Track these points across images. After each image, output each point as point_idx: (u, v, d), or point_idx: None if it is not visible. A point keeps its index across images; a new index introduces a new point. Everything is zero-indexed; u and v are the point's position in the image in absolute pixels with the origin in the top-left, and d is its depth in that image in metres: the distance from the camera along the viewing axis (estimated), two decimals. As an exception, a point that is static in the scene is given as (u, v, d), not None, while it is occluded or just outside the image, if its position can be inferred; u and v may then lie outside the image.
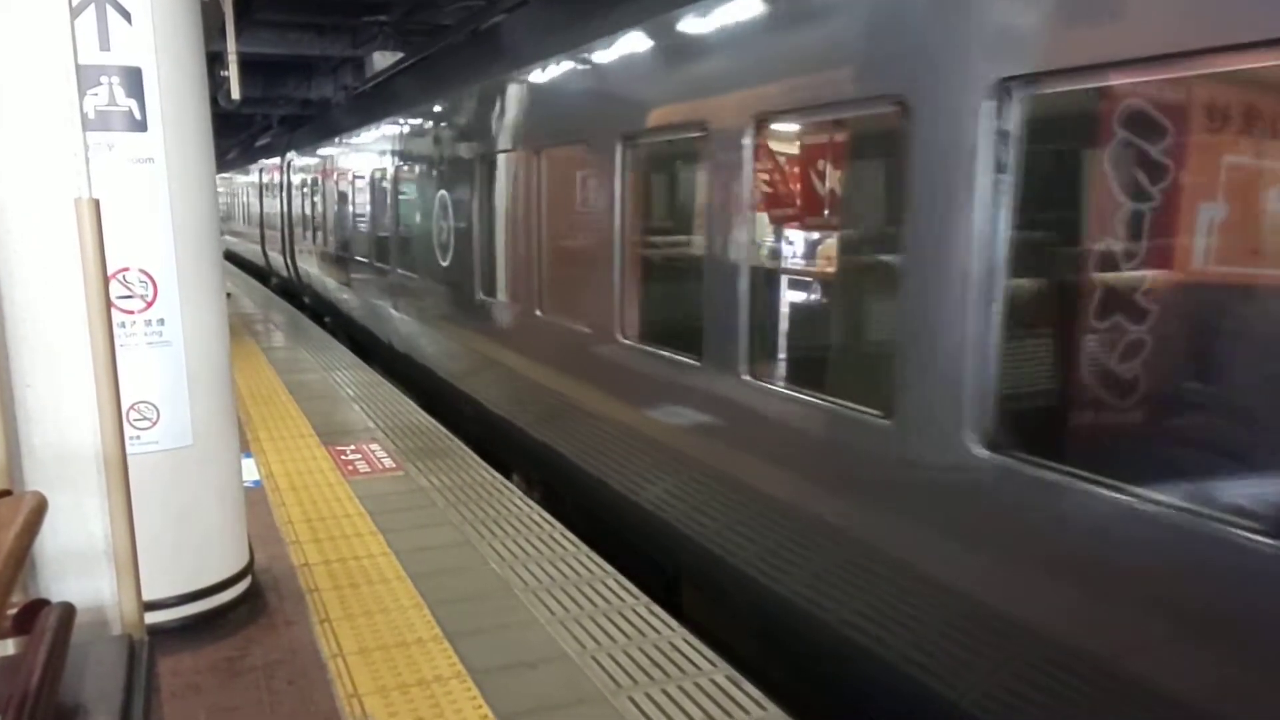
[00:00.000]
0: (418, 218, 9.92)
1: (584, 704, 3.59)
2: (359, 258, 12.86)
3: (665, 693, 3.66)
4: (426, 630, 4.16)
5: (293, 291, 19.80)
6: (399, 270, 10.73)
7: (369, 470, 6.59)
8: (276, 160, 20.61)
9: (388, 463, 6.77)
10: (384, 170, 11.38)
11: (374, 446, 7.18)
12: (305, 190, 17.34)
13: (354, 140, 13.24)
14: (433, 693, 3.64)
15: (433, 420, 8.17)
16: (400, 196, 10.71)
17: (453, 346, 9.08)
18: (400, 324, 10.88)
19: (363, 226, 12.70)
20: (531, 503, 5.93)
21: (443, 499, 5.97)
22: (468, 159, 8.20)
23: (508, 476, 6.61)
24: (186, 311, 3.94)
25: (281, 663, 3.90)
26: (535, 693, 3.66)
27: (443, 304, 9.16)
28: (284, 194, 19.54)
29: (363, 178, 12.51)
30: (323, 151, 15.59)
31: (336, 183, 14.32)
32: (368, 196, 12.29)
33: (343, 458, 6.88)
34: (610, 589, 4.62)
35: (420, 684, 3.70)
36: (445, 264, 8.89)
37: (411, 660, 3.90)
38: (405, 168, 10.46)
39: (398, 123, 10.83)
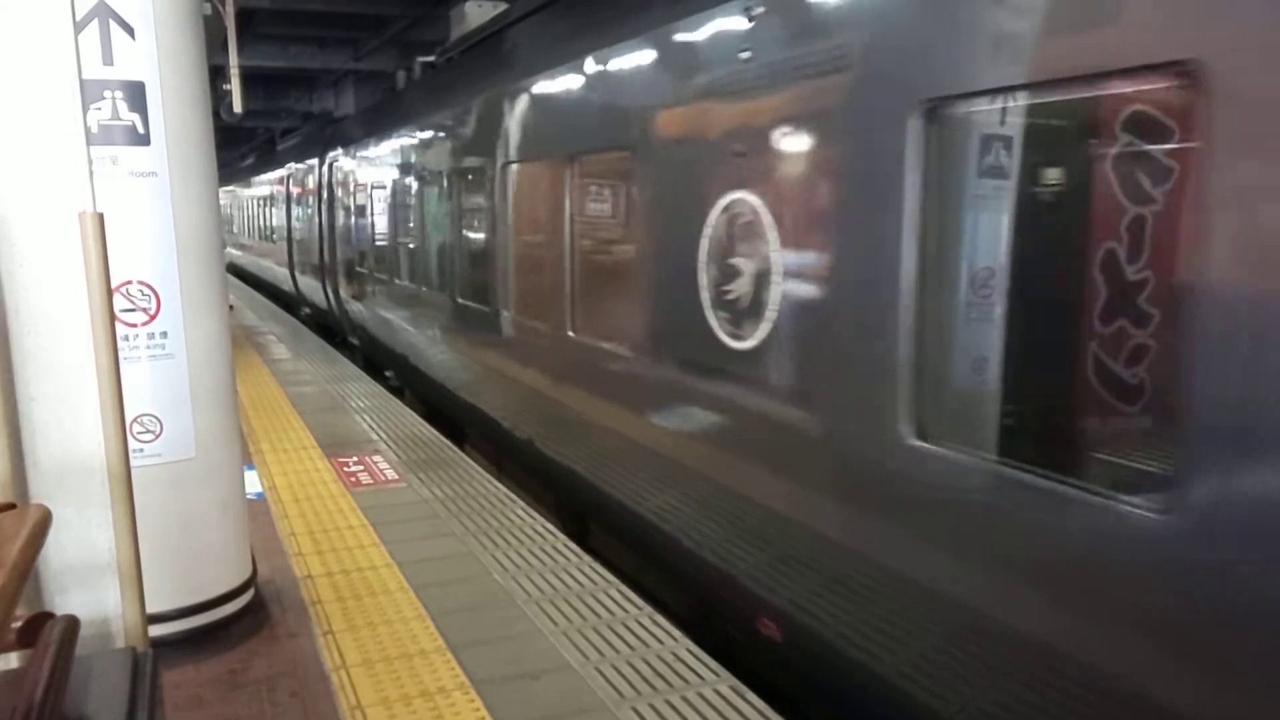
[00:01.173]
0: (655, 246, 5.13)
1: (587, 715, 3.59)
2: (470, 302, 8.37)
3: (669, 703, 3.66)
4: (429, 641, 4.16)
5: (332, 328, 15.74)
6: (599, 343, 5.82)
7: (371, 482, 6.59)
8: (312, 163, 16.02)
9: (390, 474, 6.77)
10: (532, 162, 6.94)
11: (376, 458, 7.19)
12: (358, 200, 12.83)
13: (453, 126, 8.82)
14: (436, 704, 3.63)
15: (435, 432, 8.17)
16: (569, 210, 6.18)
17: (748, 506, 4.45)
18: (584, 439, 6.28)
19: (482, 254, 8.05)
20: (534, 514, 5.93)
21: (445, 510, 5.97)
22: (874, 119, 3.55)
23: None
24: (189, 324, 3.96)
25: (285, 675, 3.90)
26: (538, 704, 3.66)
27: (722, 421, 4.59)
28: (323, 205, 15.08)
29: (481, 179, 7.98)
30: (391, 145, 11.11)
31: (419, 191, 10.04)
32: (500, 206, 7.56)
33: (345, 469, 6.89)
34: (613, 599, 4.62)
35: (423, 695, 3.70)
36: (746, 344, 4.29)
37: (414, 672, 3.89)
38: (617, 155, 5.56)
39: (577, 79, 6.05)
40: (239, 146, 32.95)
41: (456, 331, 8.97)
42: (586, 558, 5.17)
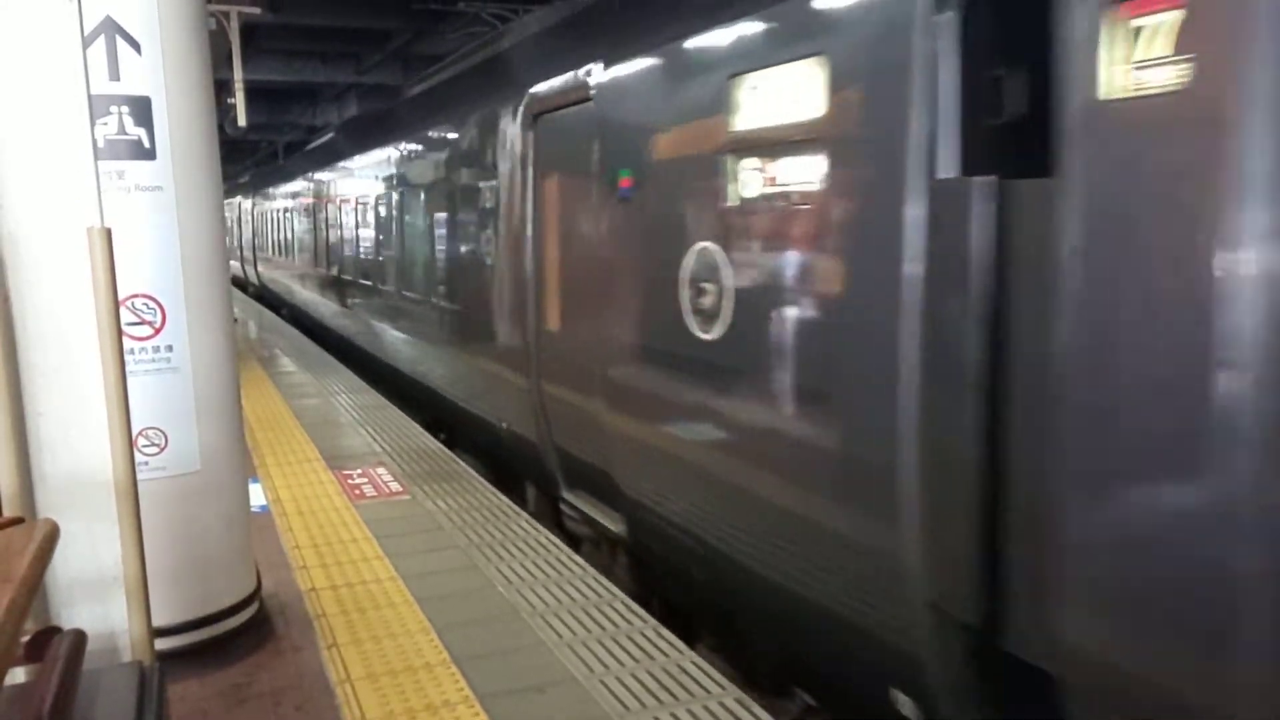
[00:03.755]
0: None
1: (593, 728, 3.58)
2: None
3: (674, 716, 3.65)
4: (434, 655, 4.15)
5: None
6: None
7: (375, 494, 6.59)
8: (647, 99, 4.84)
9: (394, 486, 6.77)
10: None
11: (380, 470, 7.19)
12: None
13: None
14: (441, 718, 3.63)
15: (439, 444, 8.18)
16: None
17: None
18: None
19: None
20: (539, 526, 5.93)
21: (449, 522, 5.97)
22: None
23: None
24: (194, 337, 3.96)
25: (289, 688, 3.89)
26: (544, 717, 3.65)
27: None
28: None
29: None
30: None
31: None
32: None
33: (349, 482, 6.89)
34: (618, 612, 4.61)
35: (428, 709, 3.69)
36: None
37: (419, 685, 3.89)
38: None
39: None
40: (243, 160, 33.13)
41: None
42: (591, 570, 5.17)
